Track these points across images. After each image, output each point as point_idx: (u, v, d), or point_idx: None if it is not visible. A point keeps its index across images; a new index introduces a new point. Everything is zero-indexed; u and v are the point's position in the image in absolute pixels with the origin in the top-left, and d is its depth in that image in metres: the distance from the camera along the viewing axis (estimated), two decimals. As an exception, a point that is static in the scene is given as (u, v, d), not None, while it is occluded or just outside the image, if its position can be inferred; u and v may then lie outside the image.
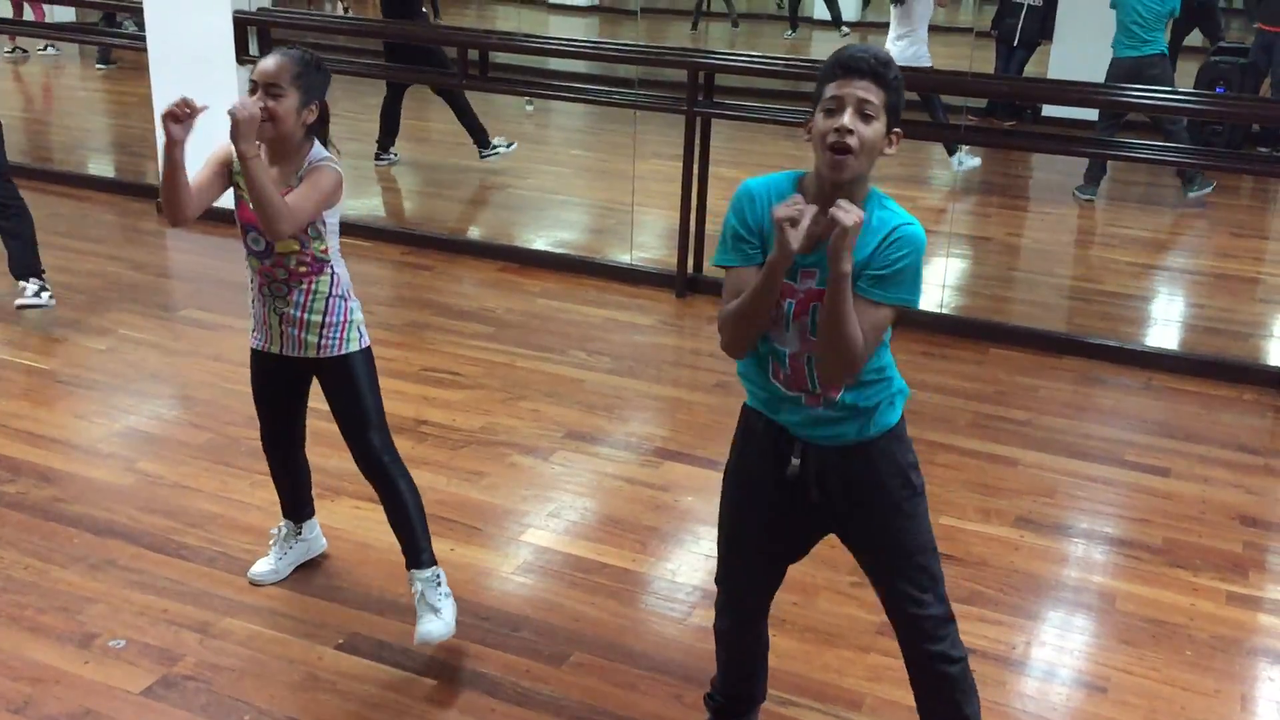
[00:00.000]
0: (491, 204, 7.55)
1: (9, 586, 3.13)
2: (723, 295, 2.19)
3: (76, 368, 4.55)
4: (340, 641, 2.97)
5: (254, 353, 3.01)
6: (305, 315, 2.85)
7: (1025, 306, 5.79)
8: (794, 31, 15.14)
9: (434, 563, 2.97)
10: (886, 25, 8.23)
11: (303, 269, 2.81)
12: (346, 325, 2.89)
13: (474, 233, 6.87)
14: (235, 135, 2.59)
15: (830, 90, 2.05)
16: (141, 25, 6.55)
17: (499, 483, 3.81)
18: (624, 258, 6.01)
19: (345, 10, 17.35)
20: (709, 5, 15.60)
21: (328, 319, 2.86)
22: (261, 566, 3.24)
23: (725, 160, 6.67)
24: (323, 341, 2.88)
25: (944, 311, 5.42)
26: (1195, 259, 6.90)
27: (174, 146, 2.61)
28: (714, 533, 3.46)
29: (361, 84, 8.95)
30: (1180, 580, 3.38)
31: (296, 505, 3.26)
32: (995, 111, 9.73)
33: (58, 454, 3.87)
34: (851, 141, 2.01)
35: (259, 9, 6.30)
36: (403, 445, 3.95)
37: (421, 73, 7.13)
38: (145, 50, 6.44)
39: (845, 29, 14.99)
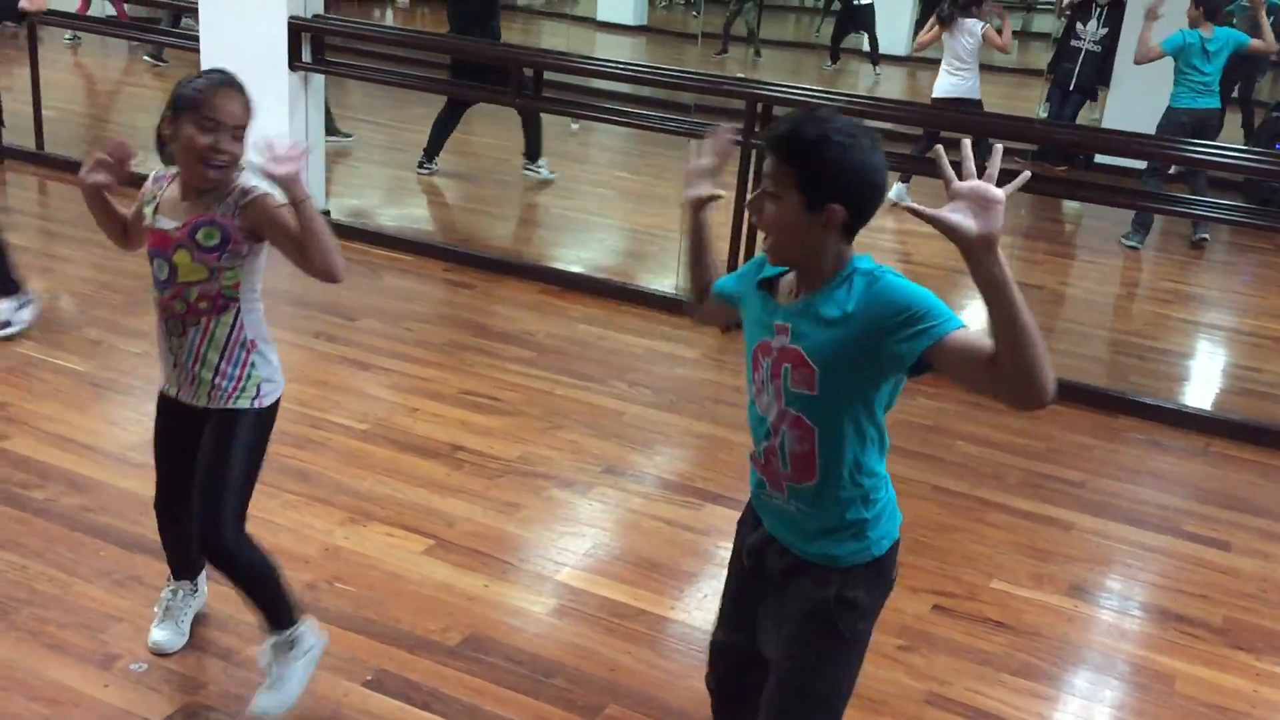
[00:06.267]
0: (533, 223, 7.47)
1: (33, 599, 3.05)
2: None
3: (111, 371, 4.48)
4: (368, 678, 2.86)
5: (159, 395, 2.71)
6: (197, 366, 2.55)
7: (1077, 360, 5.64)
8: (834, 64, 15.01)
9: (292, 624, 2.67)
10: (930, 61, 8.14)
11: (203, 304, 2.52)
12: (243, 379, 2.58)
13: (517, 253, 6.79)
14: (290, 184, 2.38)
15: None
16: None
17: (535, 516, 3.71)
18: (668, 287, 5.91)
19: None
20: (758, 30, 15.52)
21: (221, 370, 2.56)
22: (163, 634, 2.89)
23: (775, 193, 6.55)
24: (213, 393, 2.57)
25: (995, 362, 5.28)
26: (1250, 319, 6.72)
27: (100, 191, 2.56)
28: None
29: (408, 94, 8.93)
30: (1242, 664, 3.24)
31: (192, 564, 2.93)
32: (1048, 156, 9.58)
33: (88, 460, 3.79)
34: (755, 221, 1.89)
35: (314, 15, 6.25)
36: (438, 471, 3.90)
37: (476, 90, 7.06)
38: (198, 50, 6.41)
39: (878, 71, 14.86)
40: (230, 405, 2.58)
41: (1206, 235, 7.78)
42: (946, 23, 7.82)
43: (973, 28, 7.85)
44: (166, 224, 2.52)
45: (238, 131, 2.46)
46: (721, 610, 2.30)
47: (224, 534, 2.56)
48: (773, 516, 2.09)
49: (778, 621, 2.06)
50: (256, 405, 2.60)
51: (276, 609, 2.66)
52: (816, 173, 1.83)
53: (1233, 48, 7.47)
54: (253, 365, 2.59)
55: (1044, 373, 1.69)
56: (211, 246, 2.49)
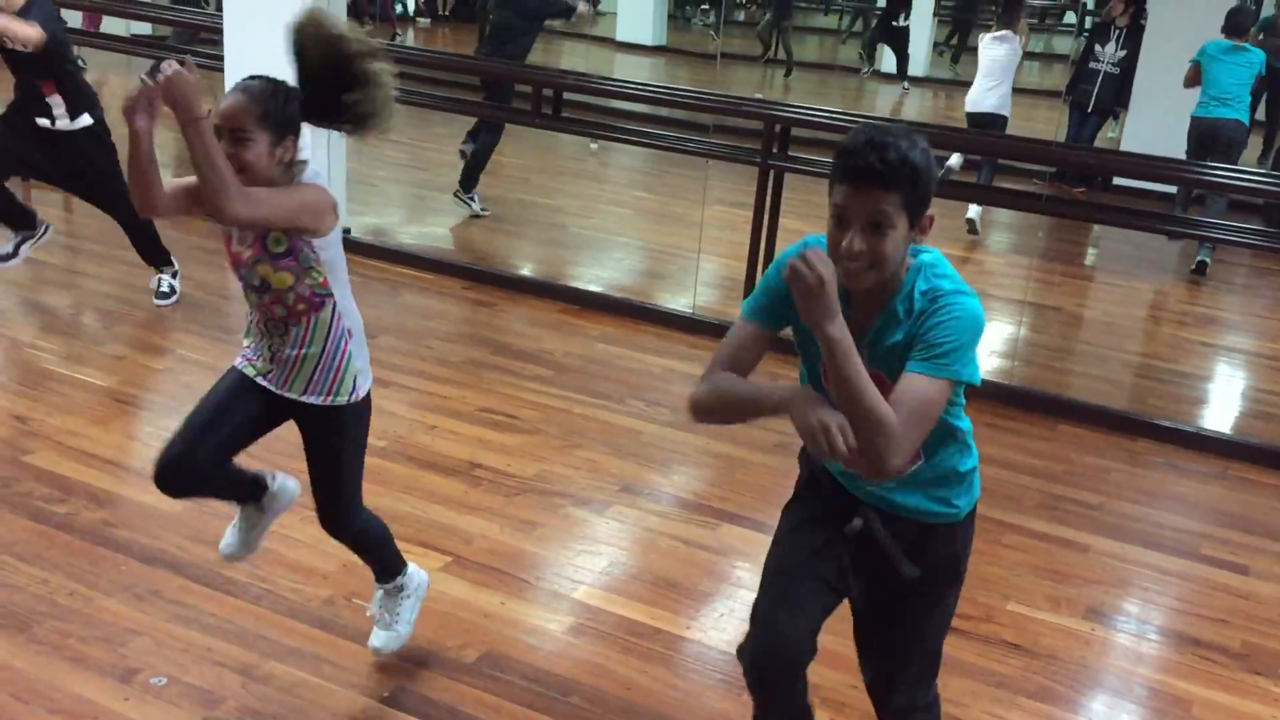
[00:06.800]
0: (552, 242, 7.50)
1: (54, 612, 3.07)
2: (723, 341, 2.09)
3: (134, 387, 4.53)
4: (385, 695, 2.88)
5: (233, 370, 2.68)
6: (302, 352, 2.58)
7: (1096, 382, 5.63)
8: (871, 66, 15.09)
9: (399, 572, 2.94)
10: (951, 81, 8.20)
11: (301, 306, 2.55)
12: (342, 370, 2.62)
13: (536, 271, 6.82)
14: (173, 101, 2.23)
15: (837, 196, 1.86)
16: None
17: (552, 534, 3.72)
18: (686, 306, 5.93)
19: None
20: (776, 52, 15.57)
21: (323, 359, 2.59)
22: (231, 540, 2.94)
23: (793, 212, 6.58)
24: (311, 384, 2.61)
25: (1013, 384, 5.28)
26: (1269, 342, 6.70)
27: (141, 140, 2.33)
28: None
29: (429, 113, 8.98)
30: (1260, 689, 3.22)
31: (248, 492, 2.87)
32: (1065, 177, 9.57)
33: (110, 475, 3.83)
34: (862, 264, 1.86)
35: (337, 36, 6.31)
36: (455, 489, 3.92)
37: (495, 109, 7.11)
38: (222, 70, 6.48)
39: (906, 85, 14.88)
40: (329, 402, 2.63)
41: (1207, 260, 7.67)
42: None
43: (1009, 39, 7.91)
44: (242, 248, 2.54)
45: (236, 134, 2.36)
46: (779, 592, 2.15)
47: (350, 523, 2.80)
48: (870, 493, 2.13)
49: (887, 577, 2.16)
50: (353, 398, 2.65)
51: (387, 563, 2.92)
52: (916, 189, 1.85)
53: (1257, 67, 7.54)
54: (350, 356, 2.63)
55: (872, 448, 1.83)
56: (281, 253, 2.49)
